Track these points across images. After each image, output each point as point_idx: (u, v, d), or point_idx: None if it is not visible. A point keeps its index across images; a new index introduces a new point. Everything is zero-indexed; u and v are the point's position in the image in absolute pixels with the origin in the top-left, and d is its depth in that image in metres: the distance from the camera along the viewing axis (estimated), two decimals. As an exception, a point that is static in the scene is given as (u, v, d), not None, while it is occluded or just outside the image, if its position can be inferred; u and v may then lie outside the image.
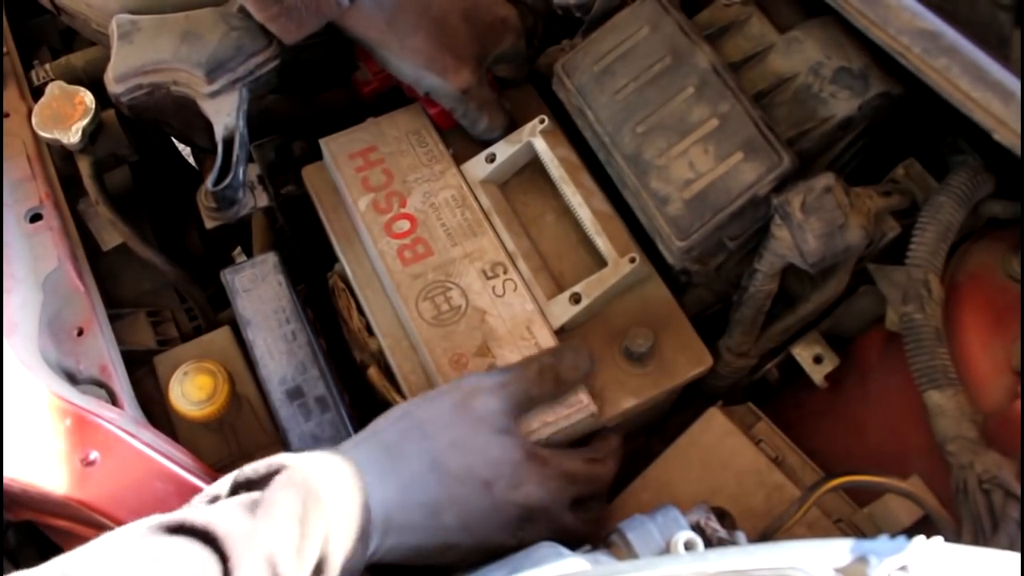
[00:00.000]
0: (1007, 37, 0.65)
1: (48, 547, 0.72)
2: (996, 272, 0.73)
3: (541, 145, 0.81)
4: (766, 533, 0.69)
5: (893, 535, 0.46)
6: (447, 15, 0.81)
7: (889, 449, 0.77)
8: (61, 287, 0.79)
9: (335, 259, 0.86)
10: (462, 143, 0.86)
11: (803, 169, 0.72)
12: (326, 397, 0.76)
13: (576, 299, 0.75)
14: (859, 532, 0.73)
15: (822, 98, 0.74)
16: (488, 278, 0.77)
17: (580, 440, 0.74)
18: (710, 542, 0.59)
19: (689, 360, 0.76)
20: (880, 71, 0.73)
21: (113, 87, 0.81)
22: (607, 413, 0.73)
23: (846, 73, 0.74)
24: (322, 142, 0.85)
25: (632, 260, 0.76)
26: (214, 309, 0.94)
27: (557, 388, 0.71)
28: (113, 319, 0.82)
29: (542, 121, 0.81)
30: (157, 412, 0.79)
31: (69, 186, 0.88)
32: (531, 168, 0.84)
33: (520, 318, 0.75)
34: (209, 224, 0.86)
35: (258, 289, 0.81)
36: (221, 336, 0.85)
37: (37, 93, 0.90)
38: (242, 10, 0.83)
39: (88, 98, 0.86)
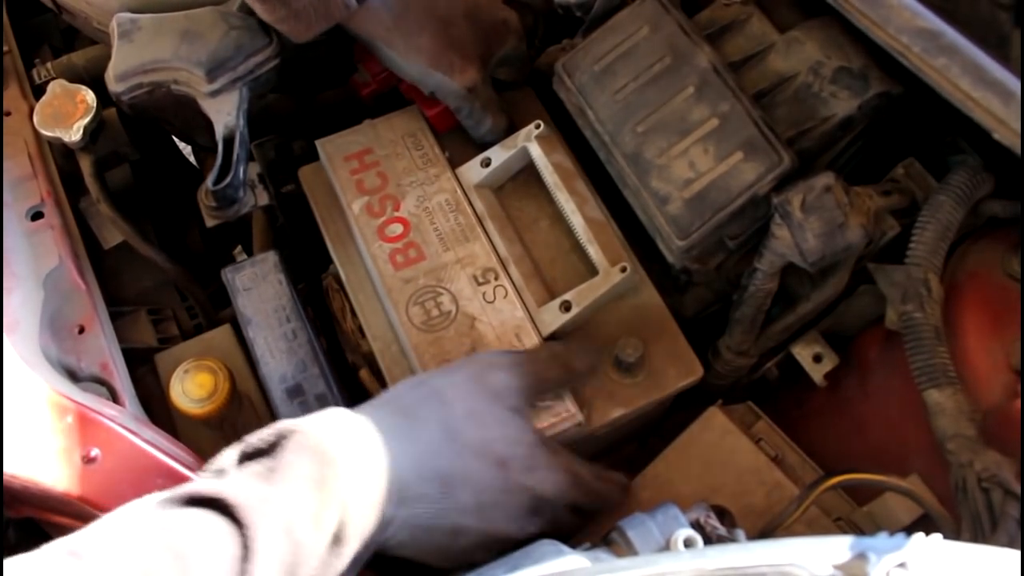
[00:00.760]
0: (1007, 37, 0.65)
1: (49, 544, 0.72)
2: (996, 271, 0.73)
3: (536, 151, 0.81)
4: (766, 531, 0.69)
5: (892, 533, 0.47)
6: (452, 15, 0.82)
7: (888, 447, 0.77)
8: (62, 285, 0.79)
9: (331, 260, 0.86)
10: (458, 147, 0.85)
11: (803, 169, 0.72)
12: (326, 395, 0.76)
13: (566, 307, 0.75)
14: (858, 530, 0.73)
15: (822, 98, 0.74)
16: (479, 284, 0.77)
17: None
18: (710, 540, 0.59)
19: (679, 371, 0.75)
20: (880, 71, 0.73)
21: (114, 86, 0.81)
22: (595, 422, 0.73)
23: (846, 73, 0.74)
24: (318, 144, 0.85)
25: (623, 269, 0.75)
26: (215, 307, 0.94)
27: (567, 375, 0.71)
28: (114, 317, 0.83)
29: (538, 126, 0.81)
30: (158, 410, 0.79)
31: (70, 184, 0.88)
32: (526, 173, 0.84)
33: (509, 325, 0.75)
34: (210, 223, 0.86)
35: (258, 288, 0.82)
36: (222, 334, 0.86)
37: (38, 91, 0.90)
38: (242, 9, 0.83)
39: (89, 96, 0.86)
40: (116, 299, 0.89)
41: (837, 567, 0.44)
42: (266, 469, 0.55)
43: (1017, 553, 0.46)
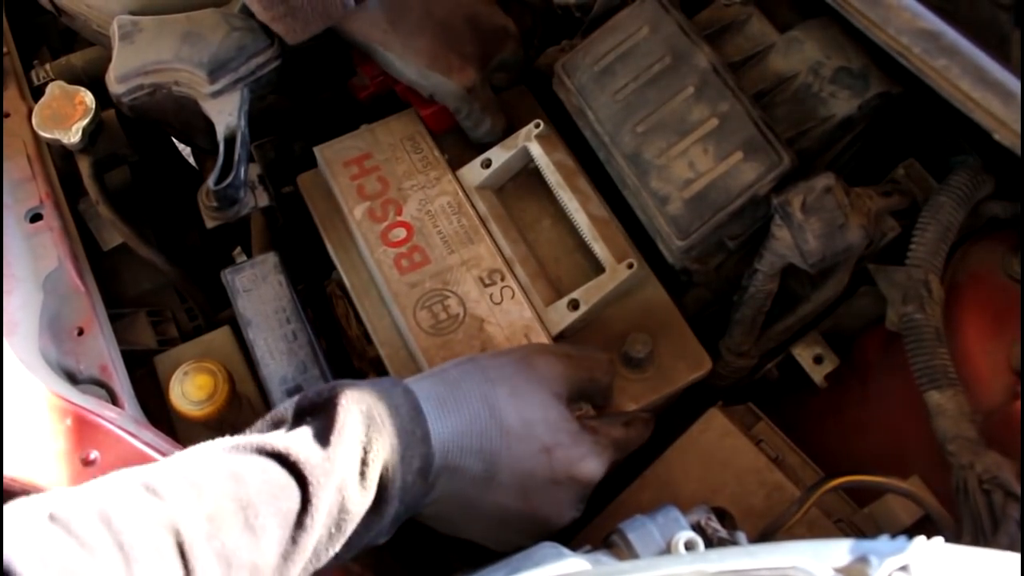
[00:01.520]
0: (1007, 37, 0.65)
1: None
2: (996, 272, 0.73)
3: (537, 150, 0.80)
4: (766, 533, 0.69)
5: (893, 535, 0.46)
6: (451, 18, 0.82)
7: (889, 449, 0.77)
8: (61, 287, 0.79)
9: (333, 265, 0.86)
10: (457, 149, 0.85)
11: (803, 169, 0.72)
12: (326, 397, 0.76)
13: (574, 305, 0.75)
14: (859, 532, 0.73)
15: (822, 98, 0.74)
16: (486, 286, 0.77)
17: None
18: (710, 542, 0.59)
19: (688, 365, 0.76)
20: (880, 71, 0.73)
21: (114, 87, 0.81)
22: None
23: (846, 73, 0.74)
24: (316, 150, 0.84)
25: (630, 265, 0.75)
26: (214, 309, 0.94)
27: (609, 382, 0.72)
28: (113, 319, 0.82)
29: (537, 125, 0.81)
30: (157, 412, 0.79)
31: (69, 186, 0.88)
32: (527, 173, 0.84)
33: (518, 325, 0.75)
34: (210, 224, 0.86)
35: (258, 289, 0.81)
36: (221, 336, 0.86)
37: (37, 93, 0.90)
38: (244, 10, 0.83)
39: (88, 98, 0.86)
40: (115, 301, 0.89)
41: (838, 570, 0.44)
42: (323, 428, 0.57)
43: (1018, 555, 0.46)
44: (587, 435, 0.67)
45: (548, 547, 0.57)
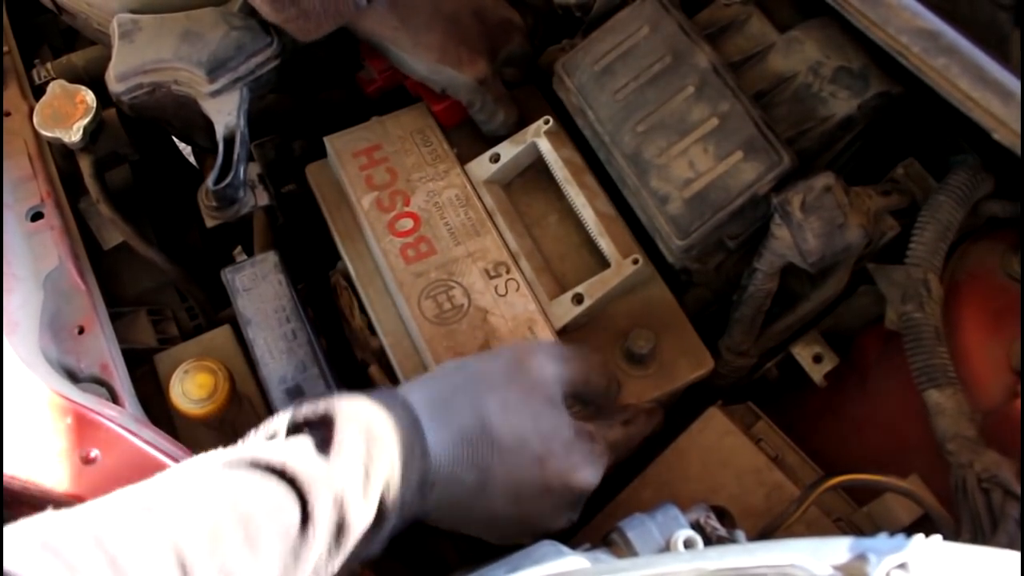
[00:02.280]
0: (1007, 37, 0.65)
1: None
2: (996, 272, 0.73)
3: (545, 146, 0.81)
4: (765, 532, 0.69)
5: (892, 533, 0.46)
6: (458, 13, 0.82)
7: (888, 448, 0.77)
8: (62, 285, 0.79)
9: (336, 258, 0.86)
10: (466, 143, 0.86)
11: (803, 168, 0.72)
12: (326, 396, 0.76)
13: (578, 299, 0.76)
14: (858, 531, 0.73)
15: (822, 97, 0.74)
16: (491, 277, 0.77)
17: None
18: (710, 540, 0.59)
19: (690, 362, 0.76)
20: (880, 71, 0.73)
21: (114, 86, 0.81)
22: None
23: (846, 73, 0.74)
24: (326, 140, 0.85)
25: (635, 261, 0.76)
26: (215, 308, 0.94)
27: (608, 387, 0.71)
28: (114, 317, 0.83)
29: (547, 122, 0.81)
30: (158, 410, 0.79)
31: (70, 185, 0.88)
32: (535, 169, 0.84)
33: (522, 318, 0.75)
34: (210, 223, 0.86)
35: (258, 288, 0.82)
36: (221, 335, 0.86)
37: (38, 92, 0.90)
38: (243, 9, 0.83)
39: (89, 97, 0.86)
40: (116, 300, 0.89)
41: (837, 568, 0.44)
42: (321, 441, 0.57)
43: (1017, 554, 0.46)
44: (581, 443, 0.66)
45: (548, 545, 0.57)
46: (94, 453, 0.67)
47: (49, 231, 0.82)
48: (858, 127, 0.75)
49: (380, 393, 0.63)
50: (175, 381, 0.75)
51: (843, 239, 0.69)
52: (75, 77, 0.92)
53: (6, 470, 0.65)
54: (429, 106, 0.86)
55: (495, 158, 0.83)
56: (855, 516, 0.74)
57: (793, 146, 0.72)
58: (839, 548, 0.45)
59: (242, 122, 0.82)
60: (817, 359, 0.81)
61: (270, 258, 0.83)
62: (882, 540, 0.45)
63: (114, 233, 0.91)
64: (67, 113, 0.85)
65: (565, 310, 0.75)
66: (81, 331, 0.77)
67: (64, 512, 0.51)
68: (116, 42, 0.82)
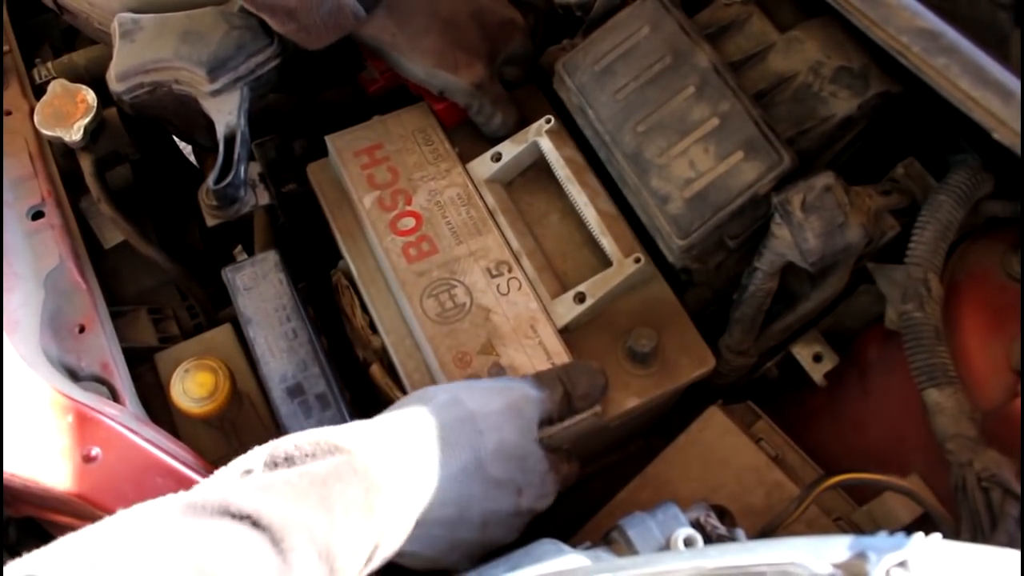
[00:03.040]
0: (1007, 37, 0.65)
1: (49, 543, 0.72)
2: (995, 271, 0.73)
3: (547, 145, 0.81)
4: (766, 530, 0.69)
5: (892, 532, 0.47)
6: (456, 16, 0.82)
7: (888, 447, 0.77)
8: (63, 284, 0.79)
9: (337, 257, 0.86)
10: (468, 142, 0.86)
11: (803, 168, 0.72)
12: (326, 394, 0.76)
13: (580, 298, 0.76)
14: (858, 530, 0.73)
15: (822, 97, 0.74)
16: (493, 276, 0.77)
17: None
18: (710, 539, 0.59)
19: (692, 361, 0.76)
20: (880, 70, 0.73)
21: (115, 85, 0.81)
22: (610, 413, 0.73)
23: (846, 72, 0.74)
24: (328, 139, 0.85)
25: (637, 260, 0.76)
26: (215, 306, 0.94)
27: (568, 413, 0.71)
28: (115, 316, 0.83)
29: (548, 121, 0.82)
30: (158, 409, 0.79)
31: (71, 184, 0.88)
32: (536, 168, 0.84)
33: (524, 316, 0.75)
34: (210, 222, 0.86)
35: (259, 287, 0.82)
36: (222, 333, 0.86)
37: (39, 91, 0.90)
38: (243, 9, 0.83)
39: (90, 96, 0.86)
40: (116, 298, 0.89)
41: (837, 566, 0.44)
42: (307, 484, 0.51)
43: (1017, 553, 0.46)
44: (552, 475, 0.68)
45: (548, 543, 0.57)
46: (95, 451, 0.67)
47: (50, 230, 0.82)
48: (858, 127, 0.75)
49: (379, 432, 0.59)
50: (176, 380, 0.76)
51: (843, 238, 0.69)
52: (76, 76, 0.92)
53: (7, 468, 0.65)
54: (431, 105, 0.86)
55: (497, 157, 0.83)
56: (855, 515, 0.74)
57: (793, 146, 0.72)
58: (839, 547, 0.45)
59: (243, 121, 0.82)
60: (817, 358, 0.81)
61: (271, 257, 0.83)
62: (882, 539, 0.45)
63: (115, 232, 0.91)
64: (68, 112, 0.85)
65: (567, 309, 0.76)
66: (82, 330, 0.77)
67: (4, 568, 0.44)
68: (117, 41, 0.82)
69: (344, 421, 0.75)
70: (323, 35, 0.79)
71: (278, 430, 0.77)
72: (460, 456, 0.62)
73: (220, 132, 0.81)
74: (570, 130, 0.84)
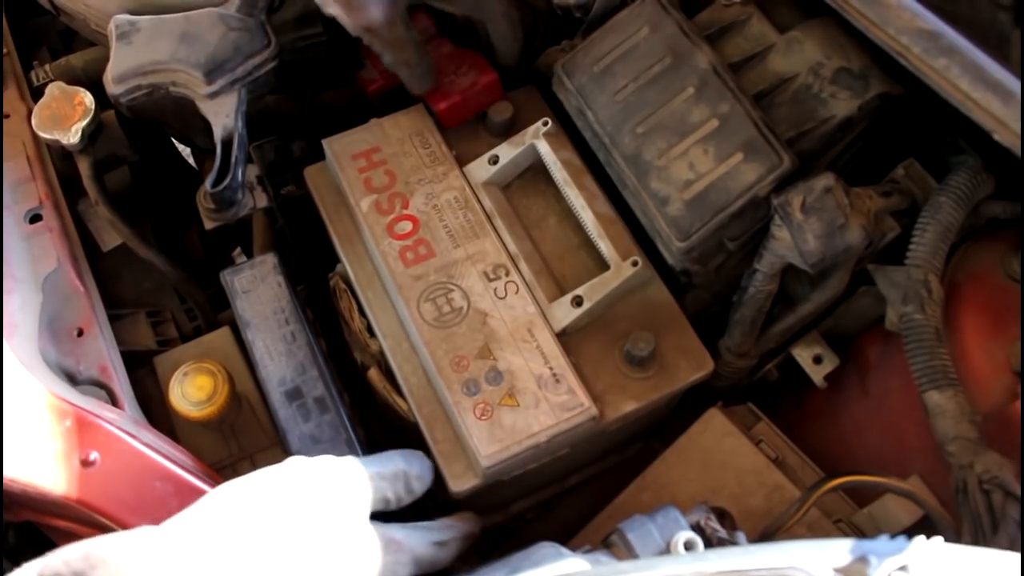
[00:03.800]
0: (1007, 37, 0.65)
1: (48, 547, 0.72)
2: (996, 272, 0.73)
3: (544, 148, 0.81)
4: (766, 533, 0.69)
5: (893, 535, 0.46)
6: None
7: (889, 449, 0.77)
8: (61, 288, 0.79)
9: (336, 260, 0.86)
10: (465, 145, 0.86)
11: (803, 169, 0.72)
12: (325, 398, 0.76)
13: (578, 302, 0.75)
14: (859, 532, 0.73)
15: (822, 98, 0.74)
16: (490, 280, 0.77)
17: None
18: (710, 542, 0.59)
19: (690, 364, 0.76)
20: (880, 71, 0.73)
21: (112, 88, 0.81)
22: (608, 416, 0.73)
23: (846, 73, 0.74)
24: (325, 142, 0.85)
25: (634, 263, 0.76)
26: (214, 309, 0.94)
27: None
28: (113, 319, 0.82)
29: (545, 123, 0.81)
30: (157, 412, 0.79)
31: (69, 187, 0.88)
32: (534, 170, 0.84)
33: (522, 320, 0.75)
34: (208, 225, 0.86)
35: (257, 290, 0.81)
36: (221, 336, 0.85)
37: (37, 94, 0.90)
38: (241, 10, 0.83)
39: (88, 99, 0.86)
40: (115, 301, 0.89)
41: (838, 570, 0.44)
42: None
43: (1018, 555, 0.46)
44: (385, 555, 0.59)
45: (548, 547, 0.57)
46: (93, 456, 0.67)
47: (48, 233, 0.82)
48: (858, 128, 0.75)
49: (149, 541, 0.51)
50: (174, 383, 0.75)
51: (843, 240, 0.69)
52: (74, 79, 0.92)
53: (5, 473, 0.65)
54: (430, 107, 0.86)
55: (494, 160, 0.82)
56: (856, 517, 0.74)
57: (793, 147, 0.72)
58: (840, 550, 0.45)
59: (240, 124, 0.81)
60: (817, 360, 0.81)
61: (269, 260, 0.83)
62: (883, 542, 0.45)
63: (113, 235, 0.91)
64: (66, 115, 0.85)
65: (565, 312, 0.75)
66: (80, 333, 0.77)
67: None
68: (114, 44, 0.82)
69: (343, 424, 0.75)
70: None
71: (277, 433, 0.77)
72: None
73: (217, 134, 0.81)
74: (569, 132, 0.84)
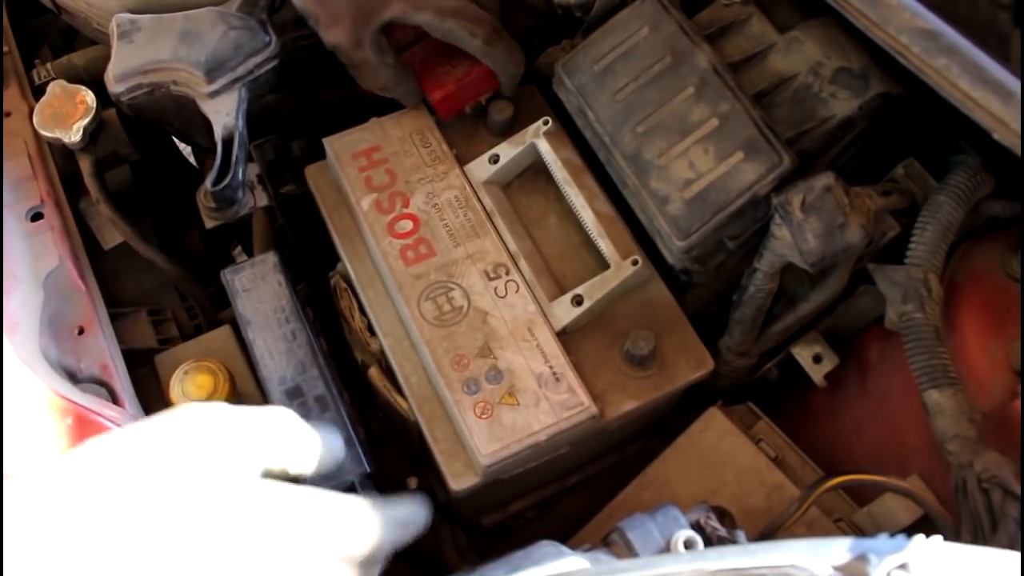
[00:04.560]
0: (1007, 37, 0.65)
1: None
2: (996, 272, 0.73)
3: (545, 147, 0.81)
4: (766, 532, 0.69)
5: (892, 534, 0.46)
6: None
7: (888, 448, 0.77)
8: (62, 286, 0.79)
9: (336, 259, 0.86)
10: (465, 144, 0.86)
11: (803, 169, 0.72)
12: (325, 396, 0.76)
13: (578, 301, 0.75)
14: (858, 531, 0.73)
15: (822, 98, 0.74)
16: (490, 279, 0.77)
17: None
18: (710, 541, 0.59)
19: (690, 363, 0.76)
20: (880, 71, 0.73)
21: (113, 86, 0.81)
22: (608, 415, 0.73)
23: (846, 73, 0.74)
24: (326, 141, 0.85)
25: (634, 262, 0.76)
26: (215, 308, 0.94)
27: None
28: (114, 318, 0.82)
29: (546, 123, 0.81)
30: (158, 411, 0.78)
31: (70, 185, 0.88)
32: (534, 170, 0.84)
33: (522, 319, 0.75)
34: (209, 224, 0.86)
35: (258, 289, 0.81)
36: (221, 335, 0.85)
37: (38, 92, 0.90)
38: (242, 9, 0.83)
39: (89, 97, 0.86)
40: (116, 300, 0.89)
41: (837, 568, 0.44)
42: None
43: (1017, 554, 0.46)
44: None
45: (547, 545, 0.57)
46: (94, 454, 0.67)
47: (49, 231, 0.82)
48: (858, 128, 0.75)
49: None
50: (175, 382, 0.75)
51: (843, 239, 0.69)
52: (75, 77, 0.92)
53: (6, 470, 0.65)
54: (426, 95, 0.86)
55: (494, 159, 0.83)
56: (855, 516, 0.74)
57: (793, 147, 0.72)
58: (839, 548, 0.45)
59: (241, 123, 0.81)
60: (817, 359, 0.81)
61: (269, 259, 0.83)
62: (882, 540, 0.45)
63: (114, 233, 0.91)
64: (67, 113, 0.85)
65: (565, 311, 0.76)
66: (81, 331, 0.77)
67: None
68: (115, 42, 0.82)
69: (343, 422, 0.75)
70: None
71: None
72: None
73: (218, 133, 0.81)
74: (569, 131, 0.84)
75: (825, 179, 0.69)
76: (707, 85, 0.75)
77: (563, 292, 0.77)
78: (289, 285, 0.82)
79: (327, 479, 0.61)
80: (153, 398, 0.80)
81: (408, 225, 0.80)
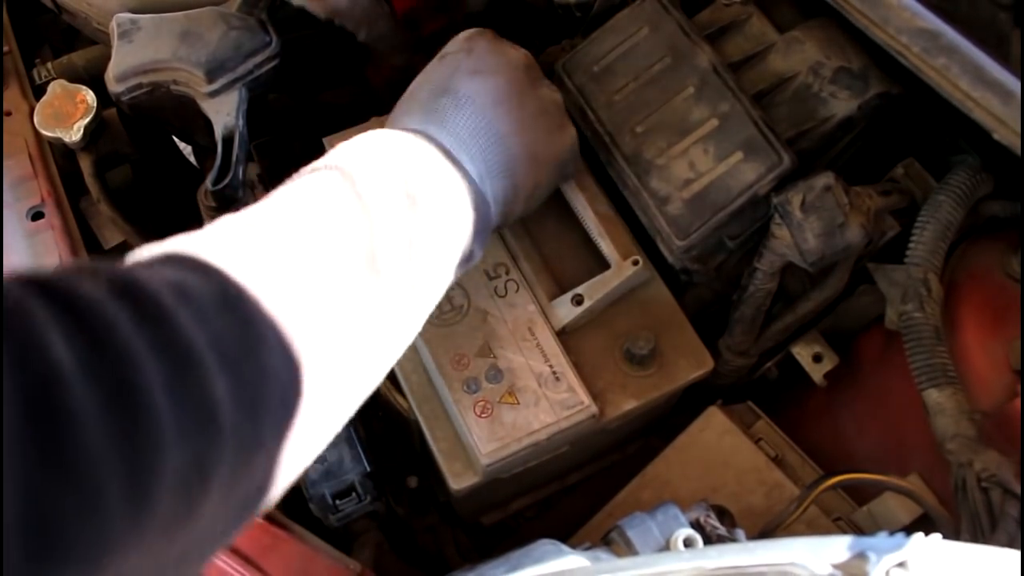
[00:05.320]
0: (1007, 37, 0.65)
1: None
2: (995, 271, 0.73)
3: None
4: (765, 531, 0.69)
5: (892, 532, 0.47)
6: None
7: (888, 447, 0.77)
8: (62, 285, 0.79)
9: (336, 258, 0.86)
10: None
11: (803, 168, 0.72)
12: (326, 395, 0.76)
13: (578, 300, 0.75)
14: (858, 530, 0.73)
15: (822, 98, 0.74)
16: (490, 278, 0.77)
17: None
18: (710, 539, 0.59)
19: (690, 363, 0.76)
20: (880, 71, 0.73)
21: (113, 86, 0.81)
22: (608, 415, 0.73)
23: (846, 73, 0.74)
24: (326, 141, 0.85)
25: (635, 262, 0.76)
26: (215, 307, 0.94)
27: None
28: (114, 317, 0.82)
29: None
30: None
31: (71, 184, 0.88)
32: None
33: (522, 319, 0.75)
34: (209, 224, 0.86)
35: (258, 287, 0.81)
36: (222, 334, 0.85)
37: (39, 91, 0.90)
38: (242, 9, 0.83)
39: (90, 96, 0.86)
40: (116, 299, 0.89)
41: (837, 566, 0.44)
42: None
43: (1017, 553, 0.46)
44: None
45: (548, 544, 0.57)
46: (94, 452, 0.67)
47: (50, 230, 0.82)
48: (858, 127, 0.75)
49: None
50: (175, 381, 0.75)
51: (843, 239, 0.69)
52: (76, 77, 0.92)
53: (7, 470, 0.65)
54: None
55: (495, 158, 0.83)
56: (855, 515, 0.74)
57: (793, 146, 0.72)
58: (839, 547, 0.45)
59: (241, 122, 0.82)
60: (817, 359, 0.81)
61: (270, 258, 0.83)
62: (882, 539, 0.45)
63: (115, 232, 0.91)
64: (68, 113, 0.85)
65: (565, 311, 0.75)
66: (81, 331, 0.77)
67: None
68: (115, 42, 0.82)
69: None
70: None
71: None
72: (491, 136, 0.67)
73: (218, 133, 0.81)
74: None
75: (825, 179, 0.69)
76: (707, 85, 0.75)
77: (563, 292, 0.77)
78: (289, 284, 0.82)
79: (327, 478, 0.63)
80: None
81: None
